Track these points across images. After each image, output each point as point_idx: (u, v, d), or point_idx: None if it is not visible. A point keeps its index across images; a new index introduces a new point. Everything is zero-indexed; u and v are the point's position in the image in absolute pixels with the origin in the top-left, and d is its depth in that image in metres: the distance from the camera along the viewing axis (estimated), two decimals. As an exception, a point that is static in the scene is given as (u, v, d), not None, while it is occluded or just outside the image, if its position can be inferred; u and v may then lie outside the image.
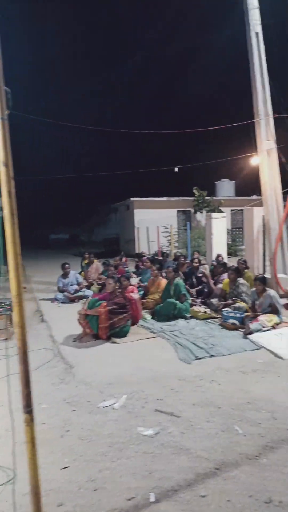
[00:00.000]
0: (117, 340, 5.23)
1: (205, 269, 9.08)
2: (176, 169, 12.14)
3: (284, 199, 8.04)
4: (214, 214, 11.01)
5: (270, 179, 8.02)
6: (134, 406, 3.59)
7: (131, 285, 6.55)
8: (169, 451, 2.88)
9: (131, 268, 13.33)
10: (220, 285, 6.94)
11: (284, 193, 8.25)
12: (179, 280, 6.63)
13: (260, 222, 9.21)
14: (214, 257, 10.14)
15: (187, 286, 8.06)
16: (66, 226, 48.38)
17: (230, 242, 20.40)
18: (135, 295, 5.91)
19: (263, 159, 8.04)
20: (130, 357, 4.79)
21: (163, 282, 6.95)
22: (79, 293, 8.38)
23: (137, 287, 8.76)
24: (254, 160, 10.45)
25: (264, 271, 9.15)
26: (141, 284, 8.69)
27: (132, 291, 6.07)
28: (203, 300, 7.18)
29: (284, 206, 7.98)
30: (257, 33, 7.99)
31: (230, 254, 18.10)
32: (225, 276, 7.05)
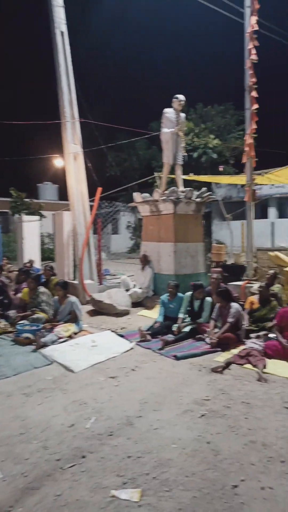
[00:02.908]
0: None
1: (11, 276, 8.32)
2: None
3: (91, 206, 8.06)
4: (25, 217, 10.30)
5: (76, 183, 7.90)
6: None
7: None
8: None
9: None
10: (19, 295, 6.33)
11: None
12: None
13: (70, 227, 9.02)
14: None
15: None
16: None
17: (52, 247, 19.92)
18: None
19: (69, 162, 7.85)
20: None
21: None
22: None
23: None
24: (58, 162, 10.26)
25: (75, 277, 9.00)
26: None
27: None
28: (1, 313, 6.41)
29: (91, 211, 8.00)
30: (62, 32, 7.77)
31: (51, 259, 17.64)
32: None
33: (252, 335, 5.33)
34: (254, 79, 7.50)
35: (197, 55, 38.53)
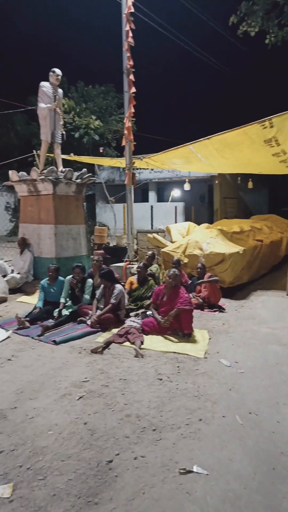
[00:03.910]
0: None
1: None
2: None
3: None
4: None
5: None
6: None
7: None
8: None
9: None
10: None
11: None
12: None
13: None
14: None
15: None
16: None
17: None
18: None
19: None
20: None
21: None
22: None
23: None
24: None
25: None
26: None
27: None
28: None
29: None
30: None
31: None
32: None
33: (131, 313, 5.55)
34: (131, 62, 7.58)
35: (79, 32, 37.28)
